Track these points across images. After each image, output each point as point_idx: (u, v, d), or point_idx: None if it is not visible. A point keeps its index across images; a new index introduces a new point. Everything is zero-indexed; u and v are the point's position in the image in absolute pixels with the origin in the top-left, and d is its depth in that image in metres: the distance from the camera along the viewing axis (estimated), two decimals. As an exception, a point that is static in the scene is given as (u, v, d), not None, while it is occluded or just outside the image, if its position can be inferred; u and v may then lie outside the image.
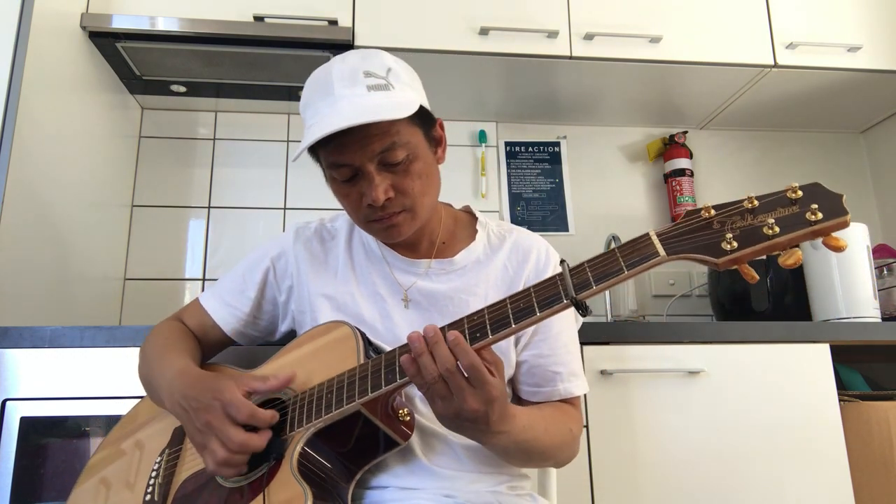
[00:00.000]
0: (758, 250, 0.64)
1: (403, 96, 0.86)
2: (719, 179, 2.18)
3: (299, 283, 1.01)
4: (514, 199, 2.09)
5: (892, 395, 1.46)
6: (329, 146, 0.85)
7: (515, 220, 2.06)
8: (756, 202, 0.65)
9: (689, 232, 0.67)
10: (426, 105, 0.91)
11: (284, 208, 1.98)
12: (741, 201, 0.65)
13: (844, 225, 0.61)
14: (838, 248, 0.62)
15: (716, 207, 0.67)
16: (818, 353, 1.37)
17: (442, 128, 0.95)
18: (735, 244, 0.64)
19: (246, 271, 1.03)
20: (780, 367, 1.35)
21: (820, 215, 0.61)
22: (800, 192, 0.63)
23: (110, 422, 1.16)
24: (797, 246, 0.64)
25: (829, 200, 0.62)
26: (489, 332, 0.71)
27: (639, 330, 1.35)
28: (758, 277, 0.66)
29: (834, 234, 0.62)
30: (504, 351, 0.92)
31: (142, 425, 0.97)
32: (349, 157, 0.85)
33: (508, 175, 2.11)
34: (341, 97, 0.84)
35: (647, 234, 0.68)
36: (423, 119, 0.90)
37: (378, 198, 0.85)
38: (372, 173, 0.85)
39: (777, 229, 0.62)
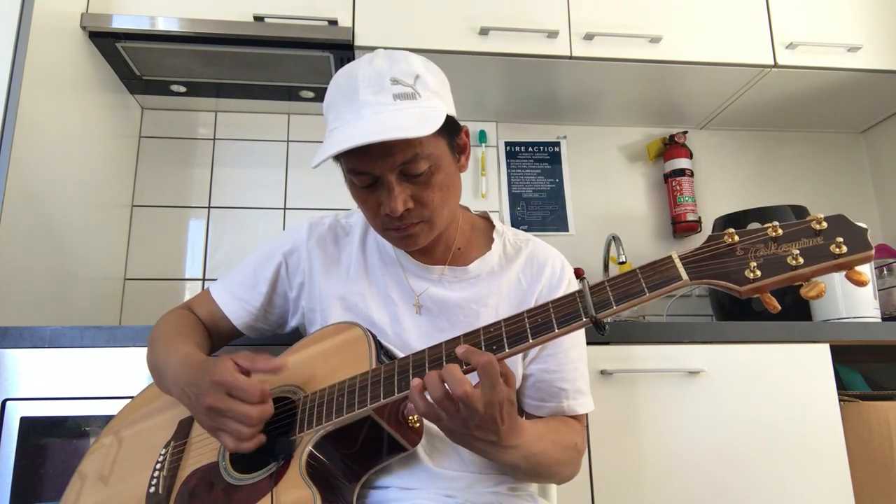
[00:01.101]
0: (781, 280, 0.63)
1: (430, 107, 0.84)
2: (719, 179, 2.18)
3: (311, 280, 1.00)
4: (514, 199, 2.09)
5: (892, 395, 1.47)
6: (351, 154, 0.83)
7: (515, 220, 2.06)
8: (780, 231, 0.64)
9: (713, 257, 0.67)
10: (453, 113, 0.89)
11: (284, 208, 1.98)
12: (765, 229, 0.65)
13: (869, 259, 0.61)
14: (861, 283, 0.62)
15: (739, 233, 0.66)
16: (818, 353, 1.37)
17: (467, 135, 0.93)
18: (759, 273, 0.64)
19: (257, 266, 1.03)
20: (780, 367, 1.35)
21: (845, 248, 0.61)
22: (824, 224, 0.63)
23: (113, 416, 1.16)
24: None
25: (853, 233, 0.62)
26: (506, 345, 0.71)
27: (639, 330, 1.35)
28: (779, 307, 0.65)
29: (857, 269, 0.62)
30: (511, 363, 0.91)
31: (144, 416, 0.97)
32: (370, 165, 0.83)
33: (508, 175, 2.11)
34: (366, 104, 0.82)
35: (670, 257, 0.68)
36: (449, 128, 0.87)
37: (397, 209, 0.84)
38: (392, 183, 0.83)
39: (801, 260, 0.62)
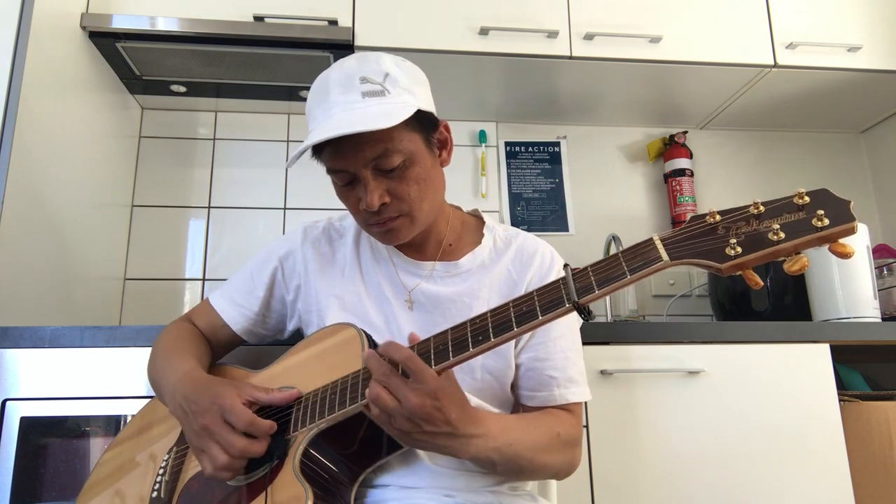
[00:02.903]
0: (762, 256, 0.63)
1: (399, 102, 0.85)
2: (719, 179, 2.18)
3: (307, 282, 1.01)
4: (514, 199, 2.09)
5: (892, 395, 1.46)
6: (325, 152, 0.86)
7: (515, 220, 2.07)
8: (762, 208, 0.64)
9: (694, 237, 0.66)
10: (429, 108, 0.90)
11: (284, 208, 1.98)
12: (747, 207, 0.65)
13: (851, 231, 0.60)
14: (845, 255, 0.61)
15: (721, 213, 0.66)
16: (818, 353, 1.37)
17: (447, 130, 0.95)
18: (739, 249, 0.63)
19: (254, 271, 1.04)
20: (780, 367, 1.35)
21: (826, 221, 0.61)
22: (806, 198, 0.63)
23: (110, 422, 1.17)
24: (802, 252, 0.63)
25: (836, 206, 0.61)
26: (491, 335, 0.71)
27: (639, 330, 1.35)
28: (762, 283, 0.65)
29: (841, 241, 0.61)
30: (504, 353, 0.92)
31: (154, 423, 0.98)
32: (344, 163, 0.86)
33: (508, 175, 2.11)
34: (335, 104, 0.84)
35: (651, 239, 0.68)
36: (424, 123, 0.89)
37: (372, 203, 0.85)
38: (367, 179, 0.86)
39: (782, 235, 0.62)
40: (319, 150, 0.87)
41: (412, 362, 0.70)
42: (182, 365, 0.90)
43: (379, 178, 0.86)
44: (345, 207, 0.95)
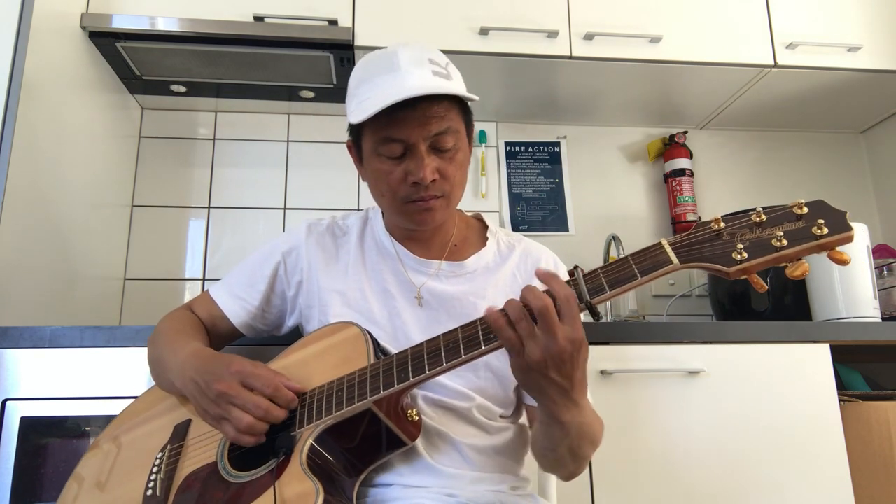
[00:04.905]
0: (767, 261, 0.67)
1: (462, 87, 0.92)
2: (719, 179, 2.18)
3: (309, 277, 1.01)
4: (514, 199, 2.09)
5: (892, 395, 1.46)
6: (386, 119, 0.86)
7: (515, 220, 2.07)
8: (764, 216, 0.68)
9: (701, 241, 0.70)
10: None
11: (284, 208, 1.98)
12: (749, 214, 0.68)
13: (849, 240, 0.65)
14: (842, 262, 0.65)
15: (725, 219, 0.69)
16: (818, 353, 1.37)
17: (471, 129, 0.99)
18: (745, 255, 0.67)
19: (256, 265, 1.04)
20: (780, 367, 1.35)
21: (826, 230, 0.65)
22: (805, 209, 0.67)
23: (110, 422, 1.16)
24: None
25: (833, 216, 0.66)
26: None
27: (639, 330, 1.35)
28: (766, 287, 0.69)
29: (838, 249, 0.65)
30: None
31: (141, 422, 0.97)
32: (406, 132, 0.87)
33: (508, 175, 2.11)
34: (409, 73, 0.87)
35: (660, 243, 0.71)
36: (469, 115, 0.96)
37: (426, 176, 0.87)
38: (423, 153, 0.88)
39: (785, 242, 0.66)
40: (372, 118, 0.85)
41: (571, 303, 0.68)
42: (190, 344, 0.91)
43: (432, 155, 0.89)
44: (347, 208, 0.95)
